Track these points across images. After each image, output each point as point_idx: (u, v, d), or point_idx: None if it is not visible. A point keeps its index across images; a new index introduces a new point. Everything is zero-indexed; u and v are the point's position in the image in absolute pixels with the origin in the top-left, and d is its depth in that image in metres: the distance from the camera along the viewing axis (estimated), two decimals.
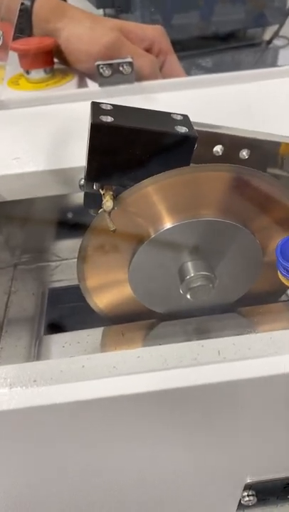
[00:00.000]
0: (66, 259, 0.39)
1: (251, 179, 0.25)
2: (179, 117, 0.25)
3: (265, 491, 0.27)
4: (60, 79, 0.46)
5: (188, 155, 0.24)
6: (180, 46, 0.52)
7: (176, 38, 0.52)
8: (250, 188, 0.25)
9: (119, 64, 0.39)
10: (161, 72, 0.48)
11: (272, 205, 0.26)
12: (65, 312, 0.35)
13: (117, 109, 0.24)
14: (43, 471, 0.20)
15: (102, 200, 0.24)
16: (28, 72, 0.46)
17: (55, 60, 0.47)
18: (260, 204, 0.26)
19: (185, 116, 0.25)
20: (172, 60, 0.48)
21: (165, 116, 0.25)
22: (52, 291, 0.36)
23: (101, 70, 0.39)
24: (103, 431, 0.19)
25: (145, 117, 0.24)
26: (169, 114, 0.25)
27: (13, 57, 0.47)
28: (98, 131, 0.23)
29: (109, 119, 0.23)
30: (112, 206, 0.24)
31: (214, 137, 0.27)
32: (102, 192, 0.25)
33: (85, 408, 0.17)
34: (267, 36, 0.81)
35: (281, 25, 0.78)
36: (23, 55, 0.45)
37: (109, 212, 0.24)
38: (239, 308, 0.32)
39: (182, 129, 0.24)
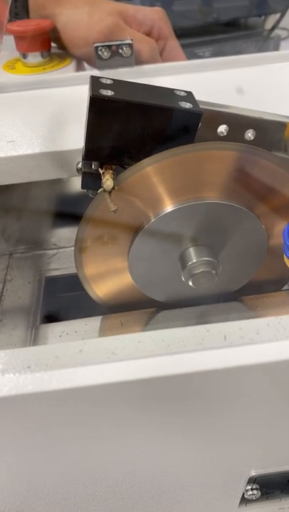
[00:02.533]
0: (64, 247, 0.38)
1: (258, 159, 0.24)
2: (182, 93, 0.24)
3: (270, 485, 0.26)
4: (58, 63, 0.45)
5: (192, 133, 0.23)
6: (180, 34, 0.51)
7: (176, 25, 0.50)
8: (256, 168, 0.24)
9: (118, 46, 0.38)
10: (161, 56, 0.46)
11: (280, 188, 0.25)
12: (62, 301, 0.34)
13: (118, 84, 0.23)
14: (37, 461, 0.19)
15: (100, 181, 0.23)
16: (24, 57, 0.45)
17: (52, 44, 0.46)
18: (266, 186, 0.25)
19: (189, 93, 0.24)
20: (173, 44, 0.47)
21: (168, 92, 0.24)
22: (49, 280, 0.35)
23: (100, 52, 0.38)
24: (102, 419, 0.18)
25: (147, 92, 0.23)
26: (172, 90, 0.24)
27: (8, 42, 0.46)
28: (97, 105, 0.21)
29: (109, 92, 0.22)
30: (112, 185, 0.23)
31: (219, 116, 0.26)
32: (101, 171, 0.23)
33: (83, 395, 0.16)
34: (268, 26, 0.80)
35: (283, 14, 0.76)
36: (19, 38, 0.43)
37: (110, 192, 0.23)
38: (242, 297, 0.31)
39: (186, 105, 0.23)
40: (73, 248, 0.27)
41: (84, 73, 0.42)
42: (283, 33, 0.87)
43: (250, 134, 0.26)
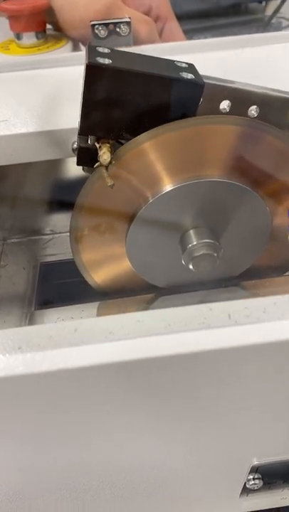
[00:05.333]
0: (60, 232, 0.37)
1: (263, 135, 0.23)
2: (184, 65, 0.23)
3: (272, 474, 0.25)
4: (53, 44, 0.43)
5: (194, 106, 0.22)
6: (178, 18, 0.49)
7: (174, 9, 0.49)
8: (261, 145, 0.23)
9: (115, 24, 0.37)
10: (160, 38, 0.45)
11: (286, 167, 0.24)
12: (57, 287, 0.33)
13: (116, 53, 0.22)
14: (29, 448, 0.18)
15: (97, 156, 0.22)
16: (19, 38, 0.43)
17: (48, 26, 0.45)
18: (272, 164, 0.24)
19: (190, 65, 0.23)
20: (172, 25, 0.46)
21: (169, 63, 0.22)
22: (44, 266, 0.34)
23: (96, 31, 0.37)
24: (98, 403, 0.17)
25: (146, 62, 0.22)
26: (173, 61, 0.23)
27: (2, 24, 0.45)
28: (94, 74, 0.20)
29: (106, 61, 0.20)
30: (109, 159, 0.21)
31: (221, 91, 0.24)
32: (97, 145, 0.22)
33: (77, 377, 0.15)
34: (269, 12, 0.79)
35: (283, 1, 0.75)
36: (14, 17, 0.42)
37: (107, 167, 0.22)
38: (243, 282, 0.30)
39: (188, 76, 0.21)
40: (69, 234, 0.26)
41: (80, 53, 0.41)
42: (284, 23, 0.85)
43: (253, 111, 0.25)
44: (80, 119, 0.22)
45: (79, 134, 0.23)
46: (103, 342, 0.15)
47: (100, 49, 0.21)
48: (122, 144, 0.23)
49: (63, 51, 0.43)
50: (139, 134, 0.22)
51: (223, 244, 0.26)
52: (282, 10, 0.77)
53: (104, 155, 0.21)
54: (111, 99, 0.21)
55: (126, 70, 0.20)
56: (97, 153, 0.22)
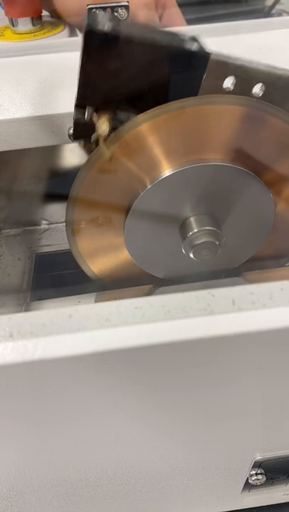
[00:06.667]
0: (56, 222, 0.36)
1: (268, 117, 0.22)
2: (187, 37, 0.22)
3: (275, 470, 0.24)
4: (49, 30, 0.42)
5: (198, 80, 0.21)
6: None
7: None
8: (266, 127, 0.22)
9: (113, 8, 0.36)
10: (160, 23, 0.44)
11: None
12: (53, 278, 0.33)
13: (117, 21, 0.20)
14: (22, 442, 0.17)
15: (94, 129, 0.21)
16: (14, 24, 0.42)
17: (45, 13, 0.44)
18: (276, 148, 0.23)
19: (195, 37, 0.22)
20: (173, 11, 0.45)
21: (172, 34, 0.21)
22: (40, 257, 0.33)
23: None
24: (93, 393, 0.16)
25: (148, 32, 0.20)
26: (176, 33, 0.22)
27: None
28: (93, 41, 0.19)
29: (106, 27, 0.19)
30: (107, 130, 0.20)
31: (226, 66, 0.23)
32: (96, 116, 0.21)
33: (71, 365, 0.14)
34: (269, 2, 0.78)
35: None
36: (9, 2, 0.41)
37: (105, 138, 0.21)
38: (245, 273, 0.29)
39: (193, 46, 0.20)
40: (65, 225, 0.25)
41: (76, 39, 0.40)
42: (284, 15, 0.84)
43: (258, 90, 0.24)
44: (78, 89, 0.21)
45: (76, 105, 0.21)
46: (99, 329, 0.14)
47: (101, 15, 0.20)
48: (120, 119, 0.22)
49: (60, 37, 0.42)
50: (139, 107, 0.21)
51: (225, 233, 0.25)
52: (283, 0, 0.76)
53: (103, 125, 0.20)
54: (110, 68, 0.20)
55: (127, 37, 0.19)
56: (94, 126, 0.21)
